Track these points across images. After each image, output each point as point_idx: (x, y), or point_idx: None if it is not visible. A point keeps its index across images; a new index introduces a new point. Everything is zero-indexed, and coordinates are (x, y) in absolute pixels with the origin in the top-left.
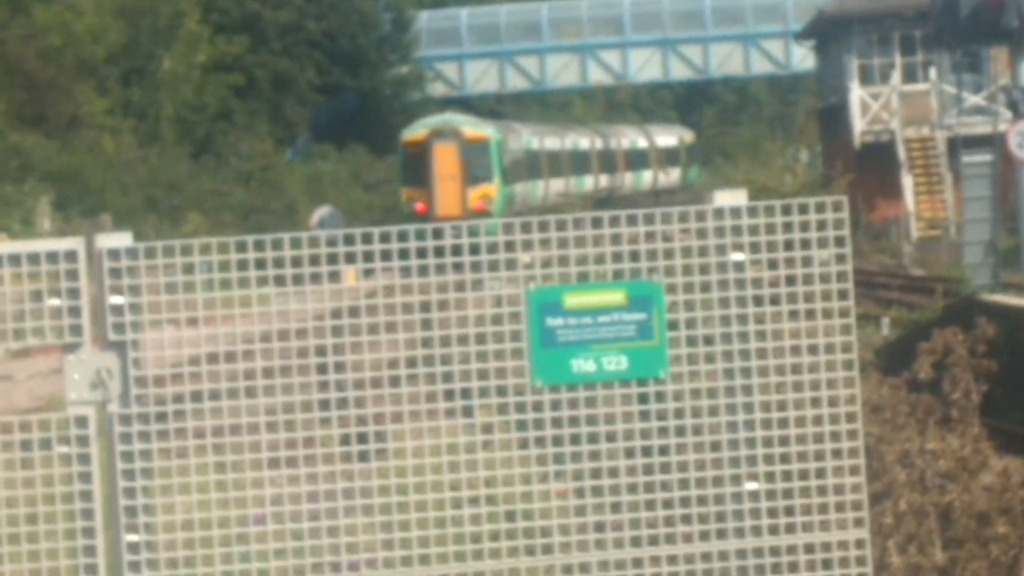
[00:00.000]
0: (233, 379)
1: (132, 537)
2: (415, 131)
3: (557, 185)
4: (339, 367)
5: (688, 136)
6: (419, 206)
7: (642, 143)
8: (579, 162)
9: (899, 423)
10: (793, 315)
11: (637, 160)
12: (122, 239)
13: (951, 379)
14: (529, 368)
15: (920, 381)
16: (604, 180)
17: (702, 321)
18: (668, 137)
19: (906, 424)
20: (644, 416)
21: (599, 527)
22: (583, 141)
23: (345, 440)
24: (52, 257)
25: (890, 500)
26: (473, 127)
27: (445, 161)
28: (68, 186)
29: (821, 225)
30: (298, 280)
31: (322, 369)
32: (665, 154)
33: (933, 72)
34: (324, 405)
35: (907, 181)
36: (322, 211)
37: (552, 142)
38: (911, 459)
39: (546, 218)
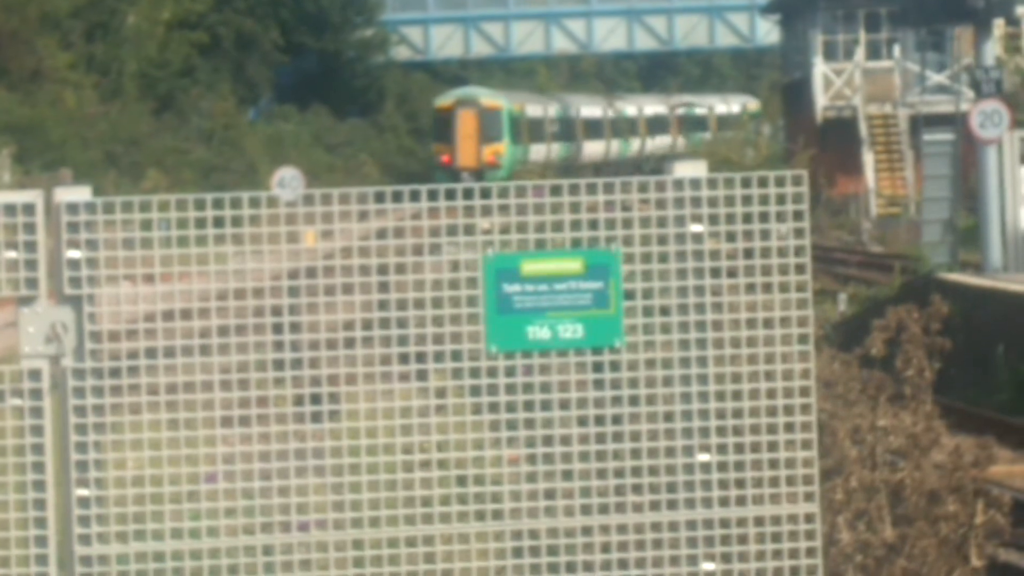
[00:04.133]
0: (188, 337)
1: (83, 492)
2: (444, 99)
3: (564, 148)
4: (295, 327)
5: (753, 104)
6: (445, 158)
7: (700, 110)
8: (592, 128)
9: (851, 399)
10: (750, 288)
11: (695, 125)
12: (81, 193)
13: (904, 356)
14: (484, 334)
15: (872, 357)
16: (615, 146)
17: (659, 291)
18: (732, 104)
19: (858, 400)
20: (598, 385)
21: (550, 494)
22: (596, 110)
23: (298, 401)
24: (10, 210)
25: (841, 476)
26: (490, 97)
27: (466, 123)
28: (29, 139)
29: (781, 199)
30: (256, 240)
31: (277, 329)
32: (729, 120)
33: (897, 50)
34: (278, 365)
35: (868, 158)
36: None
37: (560, 110)
38: (862, 435)
39: (505, 185)
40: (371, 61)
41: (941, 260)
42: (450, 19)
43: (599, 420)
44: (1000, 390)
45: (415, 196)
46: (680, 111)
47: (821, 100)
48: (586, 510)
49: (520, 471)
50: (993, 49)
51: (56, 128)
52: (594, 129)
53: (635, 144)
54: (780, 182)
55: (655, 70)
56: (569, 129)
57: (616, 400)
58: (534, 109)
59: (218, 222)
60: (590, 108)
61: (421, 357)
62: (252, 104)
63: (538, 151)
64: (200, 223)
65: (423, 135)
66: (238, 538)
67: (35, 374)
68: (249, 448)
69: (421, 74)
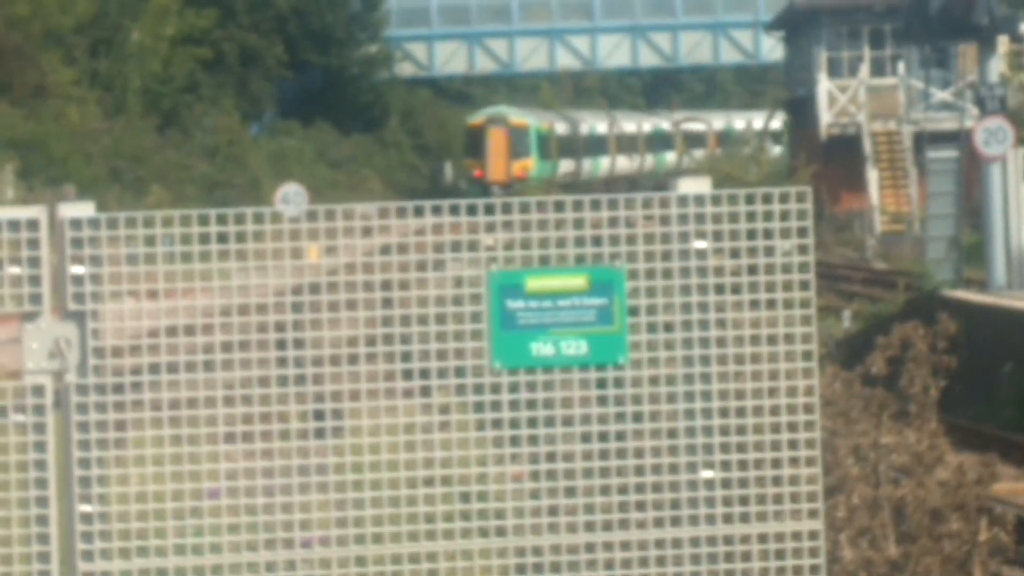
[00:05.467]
0: (192, 352)
1: (85, 508)
2: (476, 118)
3: (598, 164)
4: (298, 343)
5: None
6: (477, 172)
7: (738, 124)
8: (626, 144)
9: (852, 417)
10: (754, 304)
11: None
12: (85, 209)
13: (909, 374)
14: (489, 350)
15: (874, 375)
16: (650, 160)
17: (663, 308)
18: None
19: (860, 418)
20: (602, 401)
21: (553, 511)
22: (630, 125)
23: (302, 417)
24: (14, 225)
25: (843, 494)
26: (519, 116)
27: (497, 140)
28: (32, 155)
29: (784, 215)
30: (260, 255)
31: (281, 345)
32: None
33: (901, 67)
34: (282, 381)
35: (872, 175)
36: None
37: (588, 127)
38: (864, 453)
39: (510, 200)
40: (375, 77)
41: (945, 277)
42: (454, 35)
43: (603, 437)
44: (1004, 407)
45: (419, 212)
46: (718, 128)
47: (825, 117)
48: (590, 527)
49: (524, 488)
50: (997, 66)
51: (59, 144)
52: (628, 144)
53: (671, 158)
54: (784, 198)
55: (659, 87)
56: (601, 145)
57: (620, 417)
58: (562, 127)
59: (222, 238)
60: (624, 124)
61: (425, 373)
62: (256, 120)
63: (568, 166)
64: (204, 239)
65: (427, 151)
66: (241, 555)
67: (38, 390)
68: (252, 464)
69: (425, 90)
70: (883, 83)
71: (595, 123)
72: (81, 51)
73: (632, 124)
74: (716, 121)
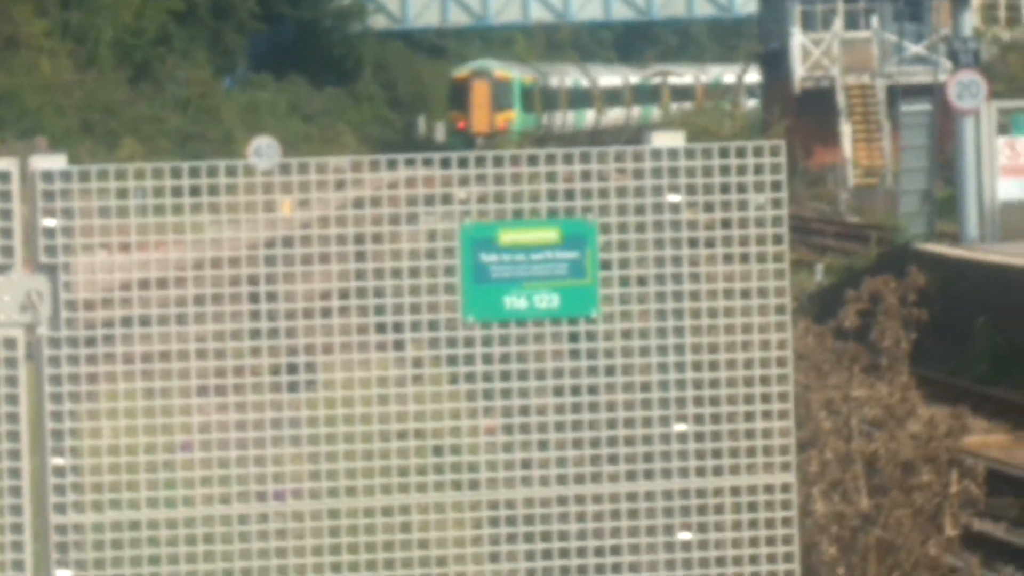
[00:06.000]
0: (164, 306)
1: (58, 460)
2: (460, 71)
3: (582, 117)
4: (271, 297)
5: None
6: (460, 124)
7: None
8: (611, 97)
9: (824, 370)
10: (727, 258)
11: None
12: (57, 162)
13: (880, 327)
14: (461, 303)
15: (846, 329)
16: (636, 112)
17: (636, 261)
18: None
19: (832, 372)
20: (574, 355)
21: (526, 464)
22: (615, 79)
23: (274, 370)
24: None
25: (815, 448)
26: (503, 69)
27: (480, 93)
28: (4, 107)
29: (758, 169)
30: (232, 209)
31: (254, 298)
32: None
33: (875, 20)
34: (255, 334)
35: (845, 128)
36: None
37: (573, 80)
38: (836, 407)
39: (483, 154)
40: (348, 30)
41: (918, 231)
42: None
43: (575, 390)
44: (977, 361)
45: (392, 165)
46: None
47: (799, 70)
48: (562, 480)
49: (496, 441)
50: (971, 20)
51: (31, 96)
52: (614, 98)
53: (656, 111)
54: (758, 152)
55: (632, 40)
56: (587, 98)
57: (592, 370)
58: (548, 80)
59: (194, 191)
60: (610, 77)
61: (398, 327)
62: (228, 73)
63: (553, 119)
64: (176, 192)
65: (400, 104)
66: (214, 507)
67: (10, 343)
68: (225, 417)
69: (398, 43)
70: (857, 36)
71: (580, 77)
72: (53, 3)
73: (618, 77)
74: (703, 75)
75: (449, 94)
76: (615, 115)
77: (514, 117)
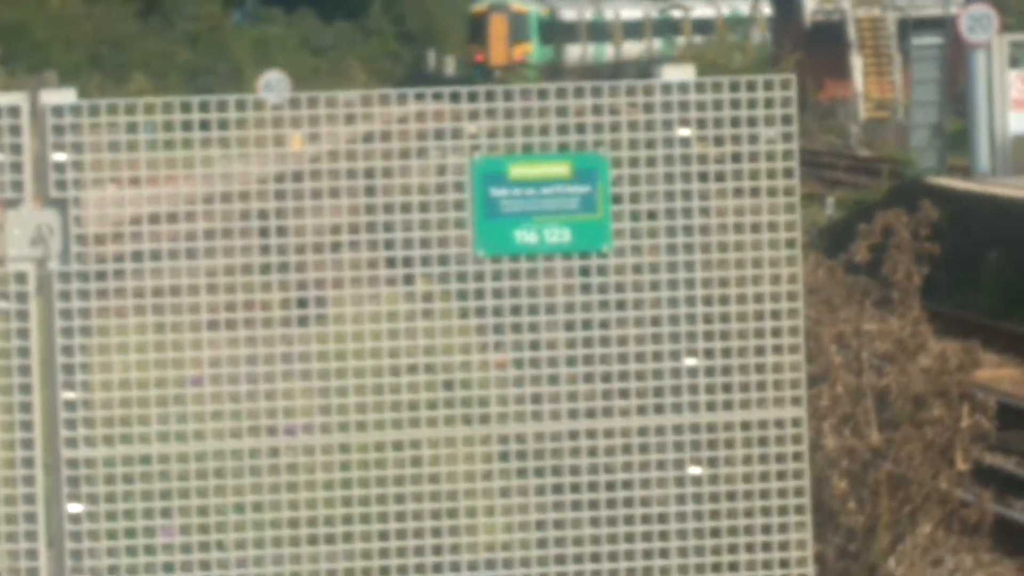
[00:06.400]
0: (174, 240)
1: (69, 395)
2: (479, 5)
3: (602, 50)
4: (281, 231)
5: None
6: (479, 57)
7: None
8: (632, 30)
9: (835, 304)
10: (738, 192)
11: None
12: (66, 96)
13: (892, 261)
14: (472, 238)
15: (857, 263)
16: (657, 45)
17: (646, 196)
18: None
19: (843, 306)
20: (585, 289)
21: (536, 399)
22: (636, 12)
23: (285, 304)
24: None
25: (826, 382)
26: (520, 2)
27: (498, 26)
28: (13, 41)
29: (768, 103)
30: (242, 143)
31: (264, 233)
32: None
33: None
34: (265, 269)
35: (856, 62)
36: (269, 75)
37: (596, 14)
38: (847, 341)
39: (493, 88)
40: None
41: (929, 164)
42: None
43: (586, 324)
44: (987, 295)
45: (402, 99)
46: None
47: (810, 4)
48: (573, 414)
49: (507, 375)
50: None
51: (40, 29)
52: (634, 31)
53: (681, 43)
54: (768, 86)
55: None
56: (605, 31)
57: (603, 304)
58: (568, 13)
59: (204, 125)
60: (630, 10)
61: (408, 261)
62: (238, 7)
63: (572, 51)
64: (186, 126)
65: (409, 39)
66: (224, 442)
67: (21, 277)
68: (235, 352)
69: None
70: None
71: (601, 8)
72: None
73: (639, 11)
74: (715, 8)
75: (467, 27)
76: (635, 48)
77: (531, 50)
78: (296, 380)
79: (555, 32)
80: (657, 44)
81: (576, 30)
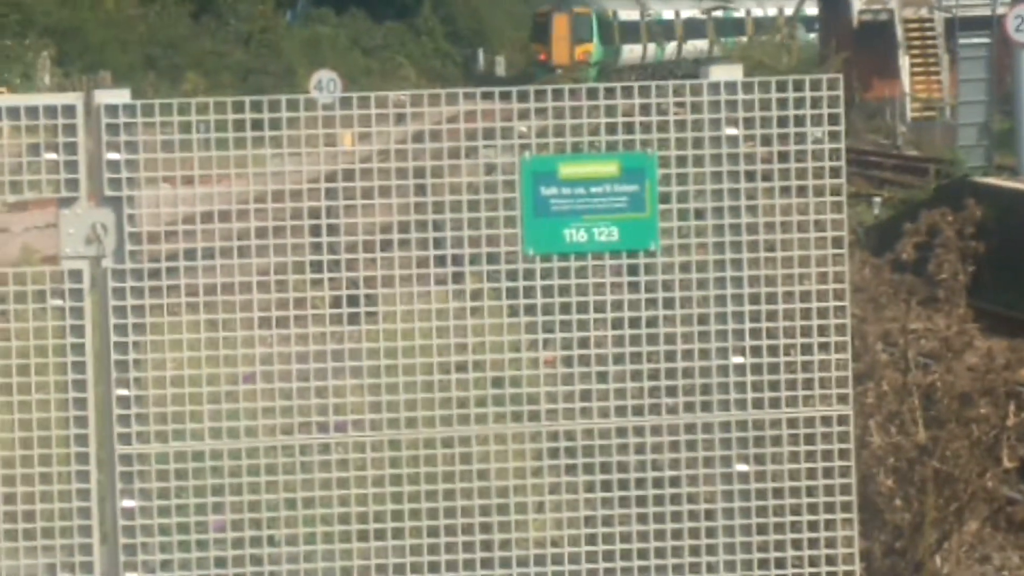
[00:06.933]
0: (227, 238)
1: (122, 391)
2: (542, 6)
3: (662, 49)
4: (332, 230)
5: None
6: (542, 56)
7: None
8: (693, 29)
9: (881, 303)
10: (785, 191)
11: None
12: (120, 96)
13: (937, 260)
14: (521, 237)
15: (903, 262)
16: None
17: (694, 195)
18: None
19: (889, 304)
20: (633, 287)
21: (585, 396)
22: (697, 12)
23: (335, 302)
24: (51, 111)
25: (872, 380)
26: (582, 4)
27: (560, 26)
28: (68, 42)
29: (816, 102)
30: (294, 142)
31: (315, 231)
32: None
33: None
34: (316, 267)
35: (904, 61)
36: (321, 75)
37: (655, 13)
38: (893, 339)
39: (543, 88)
40: None
41: (976, 163)
42: None
43: (634, 322)
44: None
45: (452, 99)
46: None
47: (857, 3)
48: (621, 411)
49: (556, 373)
50: None
51: (95, 31)
52: (695, 30)
53: (742, 41)
54: (815, 86)
55: None
56: (668, 31)
57: (651, 303)
58: (628, 13)
59: (256, 124)
60: (691, 10)
61: (457, 260)
62: (290, 7)
63: (633, 51)
64: (238, 126)
65: (459, 38)
66: (276, 438)
67: (75, 275)
68: (286, 349)
69: None
70: None
71: (662, 9)
72: None
73: (697, 10)
74: (787, 7)
75: (531, 27)
76: (698, 47)
77: (592, 49)
78: (347, 377)
79: (615, 32)
80: (718, 43)
81: (635, 30)
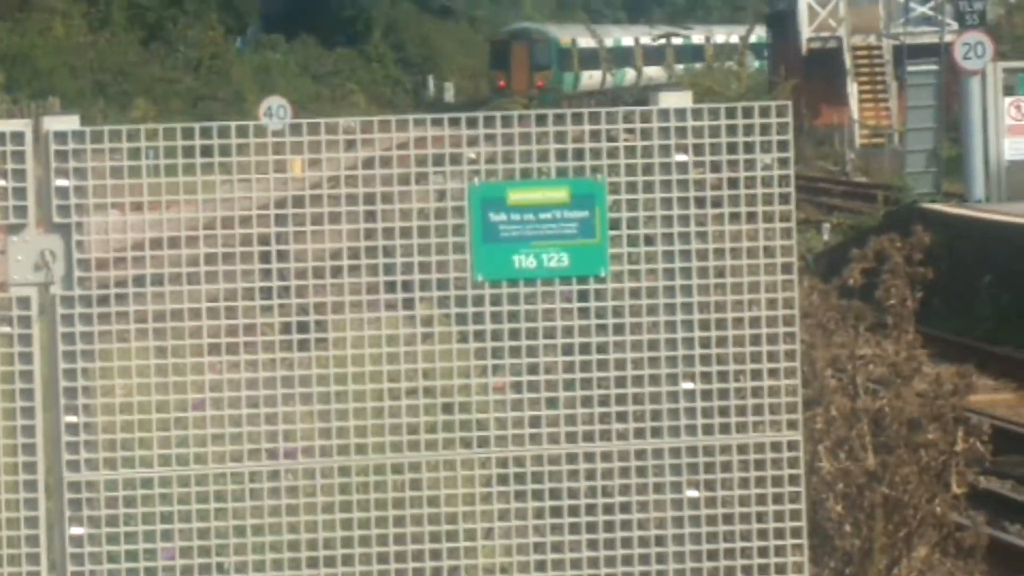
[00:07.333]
0: (176, 264)
1: (71, 418)
2: (500, 34)
3: (622, 75)
4: (282, 256)
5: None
6: (501, 83)
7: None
8: (653, 55)
9: (830, 328)
10: (734, 217)
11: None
12: (69, 122)
13: (886, 285)
14: (471, 263)
15: (851, 287)
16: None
17: (644, 221)
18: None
19: (837, 330)
20: (583, 313)
21: (535, 422)
22: (639, 38)
23: (285, 328)
24: None
25: (821, 405)
26: (540, 31)
27: (519, 54)
28: (17, 68)
29: (765, 129)
30: (243, 169)
31: (265, 257)
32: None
33: None
34: (265, 293)
35: (852, 88)
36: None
37: (614, 40)
38: (842, 364)
39: (492, 114)
40: None
41: (924, 190)
42: None
43: (584, 348)
44: (982, 319)
45: (402, 125)
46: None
47: (806, 31)
48: (571, 437)
49: (506, 399)
50: None
51: (44, 57)
52: (656, 56)
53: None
54: (764, 112)
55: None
56: (627, 57)
57: (601, 328)
58: (586, 40)
59: (206, 151)
60: (644, 37)
61: (408, 285)
62: (239, 34)
63: (592, 77)
64: (188, 152)
65: (409, 65)
66: (225, 465)
67: (23, 302)
68: (236, 375)
69: (408, 4)
70: None
71: (621, 36)
72: None
73: (676, 38)
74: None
75: (490, 54)
76: (654, 73)
77: (551, 76)
78: (296, 403)
79: (574, 59)
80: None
81: (595, 57)
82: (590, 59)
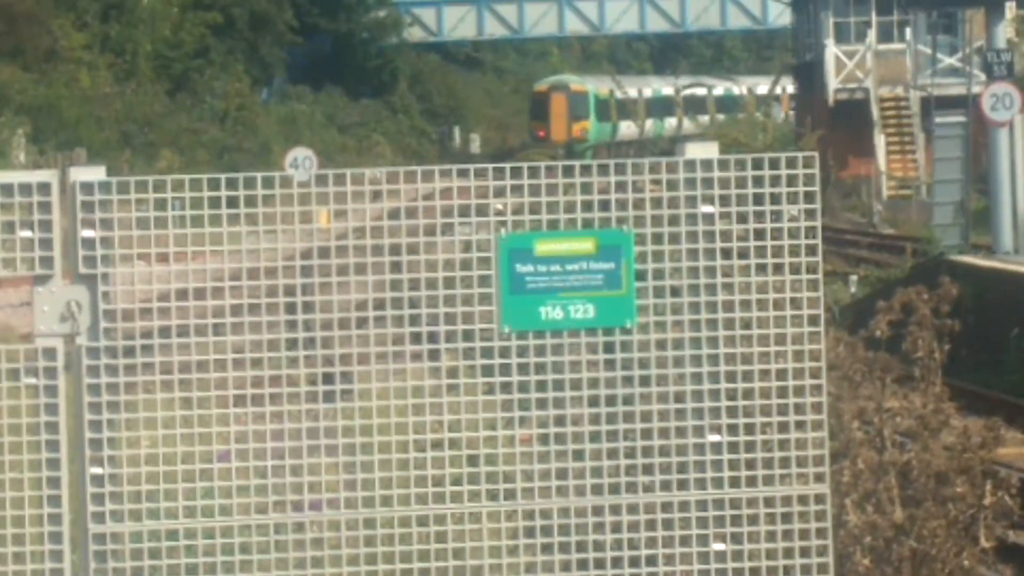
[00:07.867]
0: (202, 316)
1: (96, 470)
2: (540, 84)
3: (661, 125)
4: (307, 307)
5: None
6: (540, 133)
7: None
8: (693, 105)
9: (856, 381)
10: (761, 269)
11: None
12: (95, 173)
13: (913, 338)
14: (497, 314)
15: (877, 339)
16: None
17: (670, 272)
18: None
19: (863, 382)
20: (610, 365)
21: (561, 474)
22: (699, 89)
23: (311, 380)
24: (25, 189)
25: (848, 458)
26: (578, 83)
27: (558, 104)
28: (44, 119)
29: (791, 180)
30: (269, 219)
31: (290, 309)
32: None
33: (908, 32)
34: (291, 344)
35: (879, 140)
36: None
37: (653, 91)
38: (869, 417)
39: (519, 165)
40: (384, 42)
41: (952, 242)
42: (463, 0)
43: (610, 400)
44: (1010, 372)
45: (428, 176)
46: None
47: (833, 82)
48: (597, 490)
49: (532, 451)
50: (1004, 32)
51: (71, 108)
52: (697, 107)
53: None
54: (791, 163)
55: (666, 52)
56: (666, 107)
57: (627, 380)
58: (624, 91)
59: (232, 202)
60: (694, 88)
61: (433, 337)
62: (266, 85)
63: (630, 127)
64: (214, 203)
65: (435, 116)
66: (250, 517)
67: (49, 353)
68: (262, 427)
69: (434, 55)
70: (890, 48)
71: (661, 87)
72: (92, 15)
73: (701, 88)
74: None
75: (530, 106)
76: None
77: (589, 126)
78: (322, 455)
79: (611, 109)
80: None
81: (631, 108)
82: (624, 110)
